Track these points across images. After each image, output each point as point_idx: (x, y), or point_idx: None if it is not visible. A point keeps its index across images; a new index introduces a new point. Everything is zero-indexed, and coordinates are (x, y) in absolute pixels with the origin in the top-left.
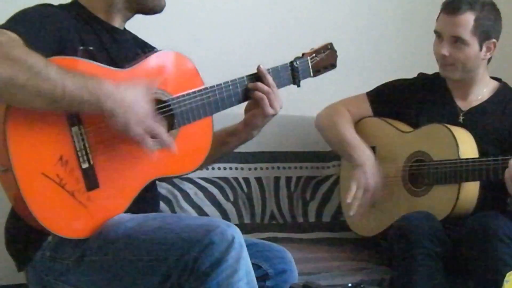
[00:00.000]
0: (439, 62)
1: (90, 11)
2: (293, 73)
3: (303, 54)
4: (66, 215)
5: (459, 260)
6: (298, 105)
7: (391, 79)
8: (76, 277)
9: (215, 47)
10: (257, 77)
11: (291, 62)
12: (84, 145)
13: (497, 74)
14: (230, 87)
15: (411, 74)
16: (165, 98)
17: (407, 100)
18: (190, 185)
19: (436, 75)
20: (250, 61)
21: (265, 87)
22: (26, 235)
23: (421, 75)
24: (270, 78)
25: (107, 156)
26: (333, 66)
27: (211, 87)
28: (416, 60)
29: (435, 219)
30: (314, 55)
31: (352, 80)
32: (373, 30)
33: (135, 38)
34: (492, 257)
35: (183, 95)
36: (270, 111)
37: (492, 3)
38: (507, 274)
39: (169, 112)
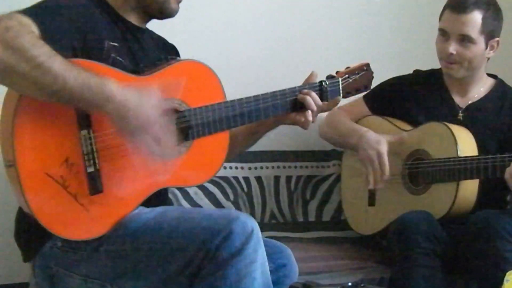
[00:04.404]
0: (443, 60)
1: (112, 7)
2: (321, 93)
3: (337, 73)
4: (66, 216)
5: (459, 259)
6: None
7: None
8: (89, 266)
9: (218, 49)
10: (283, 93)
11: (321, 82)
12: (91, 149)
13: (496, 71)
14: (252, 103)
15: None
16: (182, 109)
17: (404, 98)
18: None
19: (432, 71)
20: (251, 62)
21: (314, 105)
22: (37, 226)
23: (417, 72)
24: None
25: (115, 162)
26: (366, 88)
27: (231, 101)
28: (422, 58)
29: (433, 218)
30: (347, 76)
31: None
32: (376, 29)
33: (156, 38)
34: (493, 255)
35: (201, 108)
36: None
37: (495, 2)
38: (508, 273)
39: (184, 123)
